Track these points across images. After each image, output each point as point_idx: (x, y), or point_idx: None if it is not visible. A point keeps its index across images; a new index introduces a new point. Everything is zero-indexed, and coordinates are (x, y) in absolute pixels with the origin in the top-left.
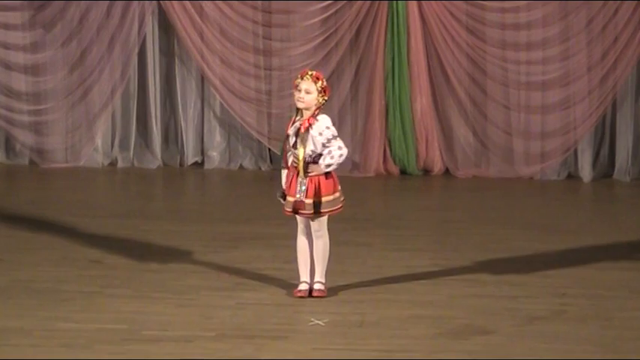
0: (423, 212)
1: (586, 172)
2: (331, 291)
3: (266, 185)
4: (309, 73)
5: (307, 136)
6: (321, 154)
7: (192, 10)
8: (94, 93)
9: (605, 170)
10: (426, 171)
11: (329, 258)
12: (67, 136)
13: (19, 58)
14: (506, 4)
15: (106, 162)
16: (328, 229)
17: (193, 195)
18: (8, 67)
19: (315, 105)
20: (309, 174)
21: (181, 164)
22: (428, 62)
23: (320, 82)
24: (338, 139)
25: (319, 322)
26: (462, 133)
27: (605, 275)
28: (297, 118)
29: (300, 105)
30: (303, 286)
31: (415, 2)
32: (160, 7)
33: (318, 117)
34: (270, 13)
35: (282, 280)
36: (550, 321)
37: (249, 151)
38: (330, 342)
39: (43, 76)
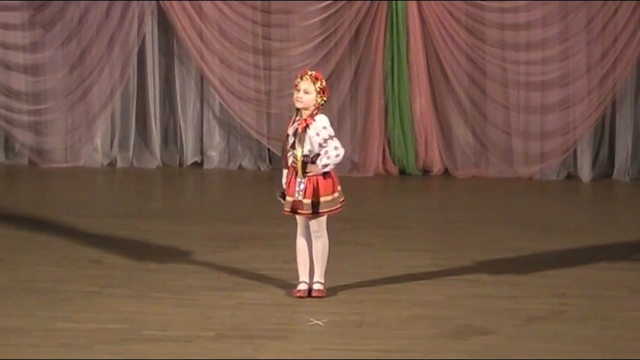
0: (422, 212)
1: (585, 172)
2: (330, 291)
3: (265, 185)
4: (309, 73)
5: (304, 136)
6: (319, 154)
7: (192, 10)
8: (93, 93)
9: (604, 170)
10: (426, 171)
11: (328, 258)
12: (67, 136)
13: (19, 58)
14: (506, 5)
15: (106, 162)
16: (327, 229)
17: (193, 195)
18: (8, 67)
19: (314, 105)
20: (308, 174)
21: (181, 164)
22: (427, 62)
23: (319, 83)
24: (335, 139)
25: (318, 322)
26: (462, 133)
27: (604, 275)
28: (297, 118)
29: (298, 105)
30: (303, 286)
31: (414, 2)
32: (160, 7)
33: (316, 117)
34: (269, 13)
35: (282, 280)
36: (550, 321)
37: (249, 151)
38: (329, 342)
39: (42, 76)
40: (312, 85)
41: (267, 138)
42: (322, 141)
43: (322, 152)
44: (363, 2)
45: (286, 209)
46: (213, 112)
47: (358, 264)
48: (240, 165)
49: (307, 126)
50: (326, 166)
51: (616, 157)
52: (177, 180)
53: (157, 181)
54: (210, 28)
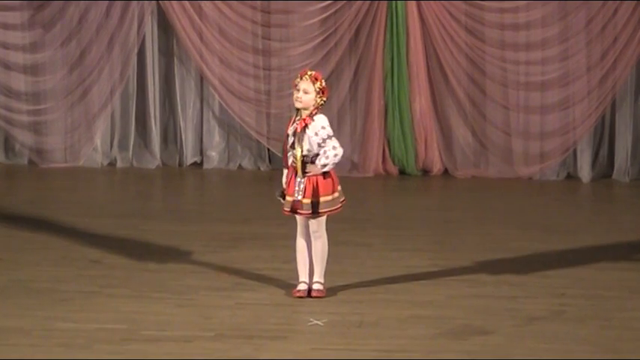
0: (422, 212)
1: (585, 172)
2: (330, 291)
3: (265, 185)
4: (309, 73)
5: (303, 136)
6: (318, 154)
7: (192, 10)
8: (93, 93)
9: (604, 170)
10: (425, 171)
11: (328, 258)
12: (67, 136)
13: (19, 58)
14: (506, 5)
15: (105, 162)
16: (327, 229)
17: (192, 195)
18: (7, 67)
19: (314, 105)
20: (307, 174)
21: (180, 164)
22: (427, 62)
23: (318, 83)
24: (333, 138)
25: (318, 322)
26: (461, 133)
27: (604, 275)
28: (297, 118)
29: (298, 105)
30: (302, 286)
31: (414, 2)
32: (159, 7)
33: (315, 117)
34: (269, 13)
35: (281, 280)
36: (549, 321)
37: (248, 151)
38: (329, 342)
39: (42, 76)
40: (311, 85)
41: (267, 138)
42: (321, 141)
43: (321, 152)
44: (362, 2)
45: (286, 209)
46: (213, 112)
47: (358, 264)
48: (239, 165)
49: (306, 126)
50: (325, 165)
51: (616, 158)
52: (177, 180)
53: (156, 181)
54: (210, 28)
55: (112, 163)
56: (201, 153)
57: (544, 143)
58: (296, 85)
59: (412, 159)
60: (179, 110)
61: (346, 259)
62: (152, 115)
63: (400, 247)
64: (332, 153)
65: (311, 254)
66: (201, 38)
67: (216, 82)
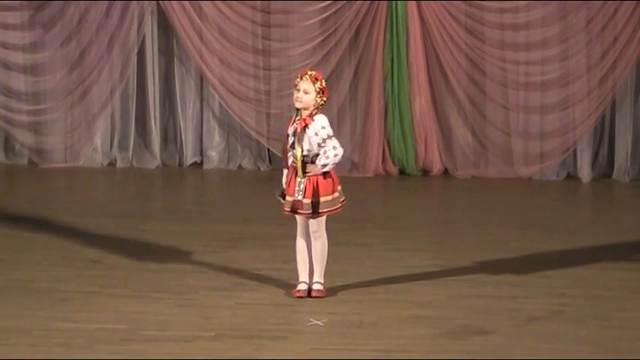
0: (422, 212)
1: (585, 172)
2: (330, 291)
3: (265, 185)
4: (309, 73)
5: (303, 136)
6: (318, 154)
7: (192, 10)
8: (93, 93)
9: (604, 171)
10: (425, 171)
11: (328, 258)
12: (66, 136)
13: (19, 58)
14: (505, 5)
15: (105, 162)
16: (327, 229)
17: (192, 195)
18: (7, 66)
19: (314, 105)
20: (307, 174)
21: (180, 164)
22: (427, 62)
23: (318, 83)
24: (333, 138)
25: (318, 323)
26: (461, 133)
27: (604, 275)
28: (297, 118)
29: (298, 105)
30: (302, 287)
31: (414, 2)
32: (159, 7)
33: (315, 117)
34: (269, 13)
35: (281, 280)
36: (549, 321)
37: (248, 151)
38: (328, 342)
39: (42, 76)
40: (311, 85)
41: (267, 138)
42: (321, 141)
43: (321, 152)
44: (362, 2)
45: (286, 209)
46: (213, 112)
47: (358, 264)
48: (239, 165)
49: (306, 126)
50: (325, 165)
51: (616, 158)
52: (176, 180)
53: (156, 181)
54: (210, 28)
55: (112, 163)
56: (201, 153)
57: (544, 143)
58: (296, 85)
59: (412, 159)
60: (179, 110)
61: (346, 259)
62: (152, 115)
63: (400, 247)
64: (332, 153)
65: (311, 254)
66: (201, 38)
67: (216, 82)
